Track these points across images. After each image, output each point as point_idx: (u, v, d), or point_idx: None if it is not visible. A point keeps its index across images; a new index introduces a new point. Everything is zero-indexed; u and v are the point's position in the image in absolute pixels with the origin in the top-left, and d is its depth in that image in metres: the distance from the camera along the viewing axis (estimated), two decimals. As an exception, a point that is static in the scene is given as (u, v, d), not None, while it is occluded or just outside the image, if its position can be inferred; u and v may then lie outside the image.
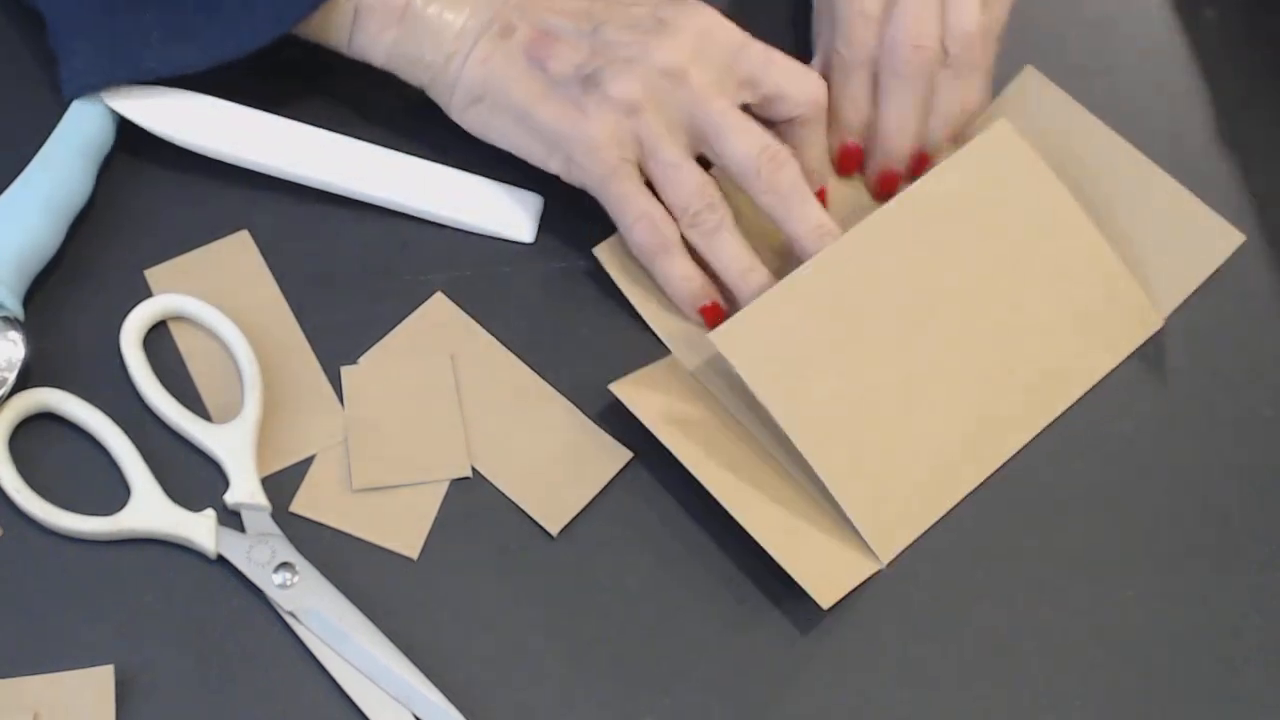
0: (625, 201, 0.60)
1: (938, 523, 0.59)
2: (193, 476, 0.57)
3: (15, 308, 0.57)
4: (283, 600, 0.54)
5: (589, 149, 0.59)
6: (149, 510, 0.56)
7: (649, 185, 0.61)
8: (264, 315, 0.61)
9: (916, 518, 0.59)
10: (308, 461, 0.58)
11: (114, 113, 0.61)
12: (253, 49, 0.60)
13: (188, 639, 0.54)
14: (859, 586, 0.57)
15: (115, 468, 0.57)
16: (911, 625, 0.57)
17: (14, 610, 0.54)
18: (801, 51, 0.66)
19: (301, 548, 0.56)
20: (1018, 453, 0.61)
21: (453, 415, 0.59)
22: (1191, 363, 0.64)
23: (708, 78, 0.59)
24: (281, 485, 0.57)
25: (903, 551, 0.58)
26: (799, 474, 0.59)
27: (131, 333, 0.59)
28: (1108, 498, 0.61)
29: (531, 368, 0.61)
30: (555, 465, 0.59)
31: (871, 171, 0.65)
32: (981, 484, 0.60)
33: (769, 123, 0.61)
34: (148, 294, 0.61)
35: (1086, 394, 0.63)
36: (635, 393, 0.59)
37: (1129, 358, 0.64)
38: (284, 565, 0.55)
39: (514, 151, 0.62)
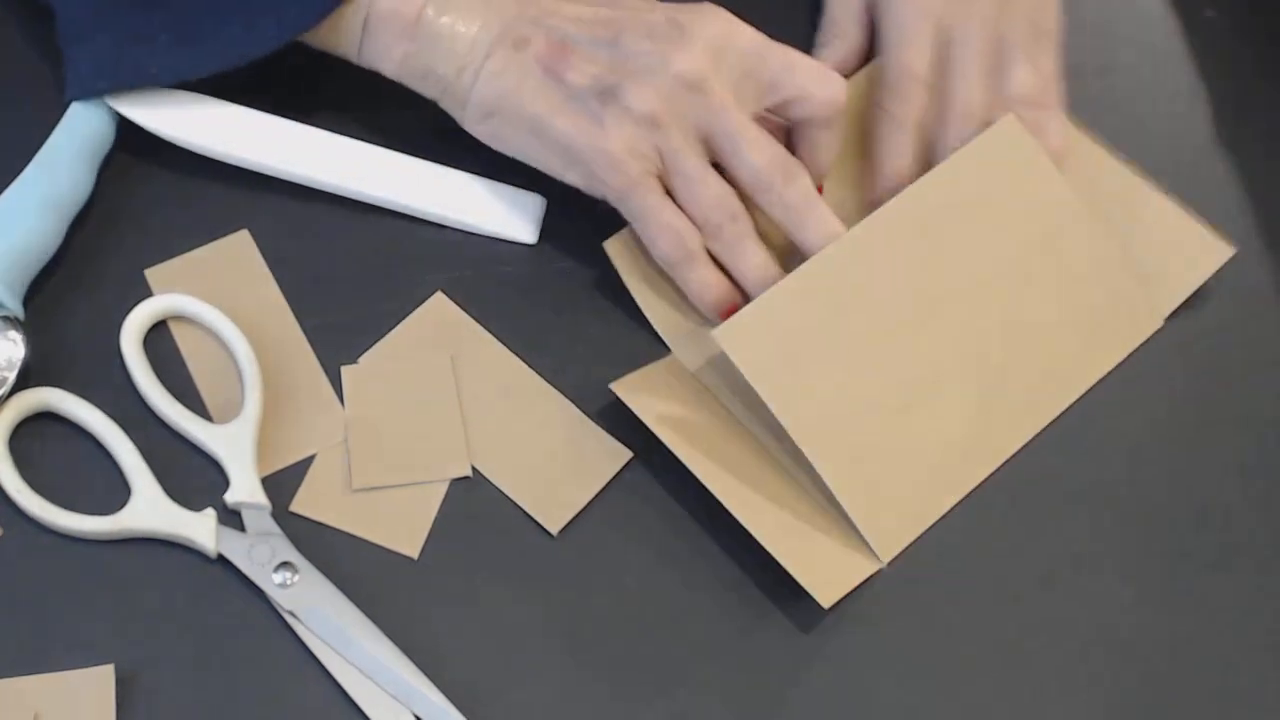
0: (649, 214, 0.60)
1: (938, 521, 0.59)
2: (193, 476, 0.57)
3: (15, 307, 0.57)
4: (283, 600, 0.54)
5: (610, 164, 0.59)
6: (149, 510, 0.56)
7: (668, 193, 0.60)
8: (264, 315, 0.61)
9: (917, 517, 0.59)
10: (308, 461, 0.58)
11: (114, 112, 0.61)
12: (257, 56, 0.60)
13: (188, 639, 0.54)
14: (859, 586, 0.57)
15: (115, 467, 0.57)
16: (912, 625, 0.57)
17: (14, 610, 0.54)
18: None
19: (302, 547, 0.56)
20: (1018, 452, 0.61)
21: (453, 415, 0.59)
22: (1191, 363, 0.64)
23: (727, 87, 0.59)
24: (282, 485, 0.57)
25: (903, 551, 0.58)
26: (799, 473, 0.59)
27: (131, 332, 0.59)
28: (1108, 497, 0.61)
29: (531, 368, 0.61)
30: (555, 465, 0.59)
31: None
32: (982, 483, 0.60)
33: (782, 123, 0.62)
34: (148, 294, 0.61)
35: (1086, 394, 0.63)
36: (636, 392, 0.59)
37: (1129, 358, 0.64)
38: (284, 565, 0.55)
39: (529, 163, 0.61)
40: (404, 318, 0.61)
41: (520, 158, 0.61)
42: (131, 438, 0.57)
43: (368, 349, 0.61)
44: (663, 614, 0.57)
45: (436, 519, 0.57)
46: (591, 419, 0.60)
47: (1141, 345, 0.64)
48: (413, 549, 0.57)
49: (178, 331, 0.60)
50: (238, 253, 0.62)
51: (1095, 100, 0.66)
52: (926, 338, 0.60)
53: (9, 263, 0.57)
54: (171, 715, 0.53)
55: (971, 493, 0.60)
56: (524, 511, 0.58)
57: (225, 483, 0.57)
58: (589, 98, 0.58)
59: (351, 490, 0.58)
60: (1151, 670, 0.57)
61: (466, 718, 0.53)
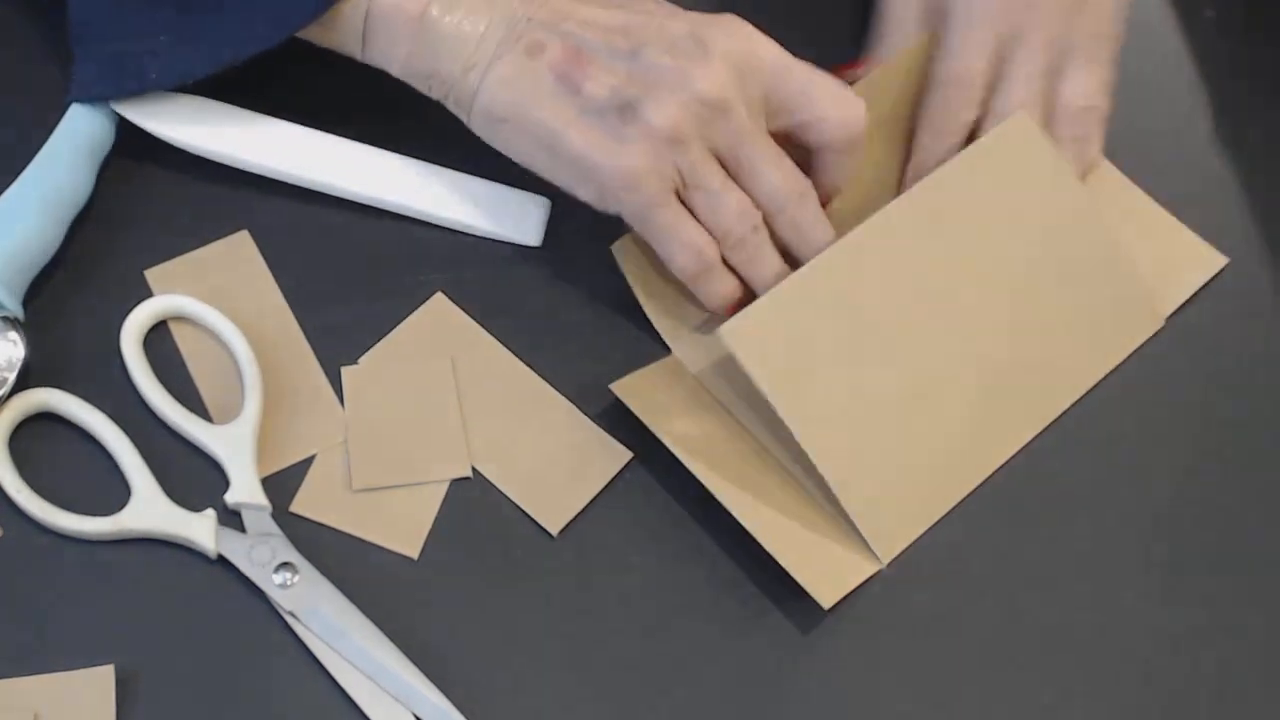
0: (668, 232, 0.59)
1: (937, 522, 0.59)
2: (193, 476, 0.57)
3: (15, 308, 0.57)
4: (283, 600, 0.54)
5: (628, 182, 0.57)
6: (149, 510, 0.56)
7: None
8: (264, 315, 0.61)
9: (917, 517, 0.59)
10: (308, 461, 0.58)
11: (114, 113, 0.61)
12: (254, 53, 0.59)
13: (188, 639, 0.54)
14: (859, 586, 0.57)
15: (115, 468, 0.57)
16: (911, 625, 0.57)
17: (14, 610, 0.54)
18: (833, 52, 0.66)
19: (302, 548, 0.56)
20: (1017, 452, 0.61)
21: (453, 415, 0.59)
22: (1191, 363, 0.64)
23: (748, 107, 0.58)
24: (282, 485, 0.57)
25: (902, 551, 0.58)
26: (800, 473, 0.59)
27: (131, 333, 0.59)
28: (1108, 498, 0.61)
29: (531, 368, 0.61)
30: (555, 465, 0.59)
31: None
32: (981, 484, 0.60)
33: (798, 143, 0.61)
34: (148, 294, 0.61)
35: (1086, 394, 0.63)
36: (636, 392, 0.59)
37: (1129, 357, 0.64)
38: (284, 565, 0.55)
39: (538, 174, 0.60)
40: (404, 318, 0.61)
41: (529, 167, 0.60)
42: (131, 438, 0.57)
43: (368, 350, 0.61)
44: (663, 614, 0.57)
45: (436, 520, 0.57)
46: (592, 419, 0.60)
47: (1141, 346, 0.64)
48: (413, 550, 0.57)
49: (178, 332, 0.60)
50: (238, 253, 0.62)
51: (1095, 100, 0.66)
52: (932, 337, 0.60)
53: (9, 263, 0.57)
54: (171, 715, 0.53)
55: (970, 494, 0.60)
56: (524, 512, 0.58)
57: (225, 483, 0.57)
58: (607, 111, 0.57)
59: (352, 491, 0.58)
60: (1151, 670, 0.57)
61: (466, 718, 0.53)
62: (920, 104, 0.65)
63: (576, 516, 0.58)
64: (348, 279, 0.62)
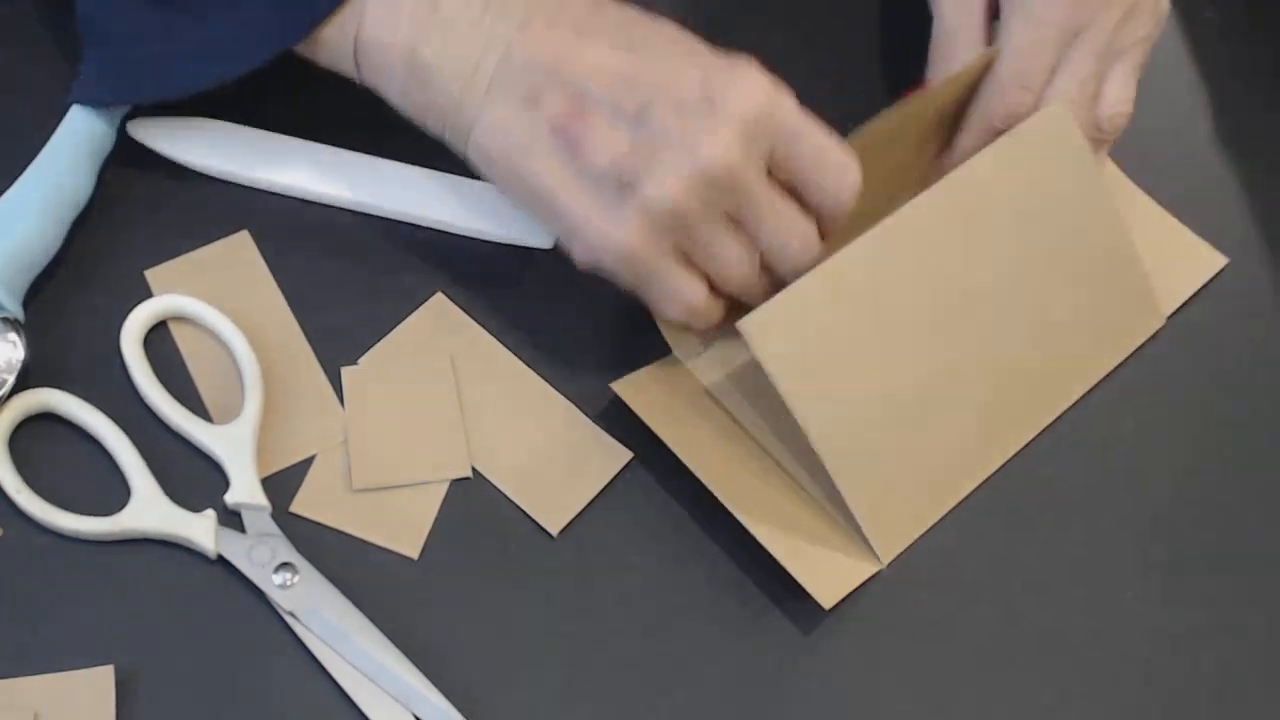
0: (664, 299, 0.57)
1: (937, 522, 0.59)
2: (193, 477, 0.57)
3: (15, 309, 0.57)
4: (283, 600, 0.54)
5: (621, 257, 0.55)
6: (149, 510, 0.56)
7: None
8: (264, 315, 0.61)
9: (918, 518, 0.59)
10: (308, 462, 0.58)
11: (115, 114, 0.61)
12: (244, 71, 0.59)
13: (188, 639, 0.54)
14: (858, 587, 0.57)
15: (115, 468, 0.57)
16: (911, 626, 0.57)
17: (14, 610, 0.54)
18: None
19: (302, 548, 0.56)
20: (1017, 452, 0.61)
21: (453, 415, 0.59)
22: (1191, 363, 0.64)
23: (756, 169, 0.54)
24: (282, 485, 0.57)
25: (901, 552, 0.58)
26: (802, 474, 0.59)
27: (132, 333, 0.59)
28: (1108, 498, 0.61)
29: (531, 368, 0.61)
30: (555, 465, 0.59)
31: None
32: (979, 485, 0.60)
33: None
34: (148, 294, 0.61)
35: (1086, 393, 0.63)
36: (637, 392, 0.59)
37: (1129, 357, 0.64)
38: (284, 565, 0.55)
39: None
40: (404, 318, 0.61)
41: (523, 211, 0.59)
42: (131, 438, 0.57)
43: (368, 350, 0.61)
44: (663, 614, 0.57)
45: (436, 520, 0.57)
46: (591, 419, 0.60)
47: (1141, 346, 0.64)
48: (413, 550, 0.57)
49: (178, 332, 0.60)
50: (238, 253, 0.62)
51: (1095, 100, 0.66)
52: (946, 334, 0.59)
53: (9, 264, 0.57)
54: (171, 715, 0.53)
55: (969, 495, 0.60)
56: (524, 512, 0.58)
57: (225, 483, 0.57)
58: (605, 181, 0.54)
59: (352, 491, 0.58)
60: (1151, 670, 0.57)
61: (466, 718, 0.53)
62: (974, 98, 0.63)
63: (576, 516, 0.58)
64: (348, 279, 0.62)
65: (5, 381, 0.56)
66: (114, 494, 0.56)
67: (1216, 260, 0.66)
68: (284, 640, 0.54)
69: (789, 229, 0.56)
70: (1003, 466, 0.61)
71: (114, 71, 0.60)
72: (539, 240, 0.63)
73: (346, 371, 0.60)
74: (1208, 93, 0.72)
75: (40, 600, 0.54)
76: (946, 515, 0.59)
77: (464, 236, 0.63)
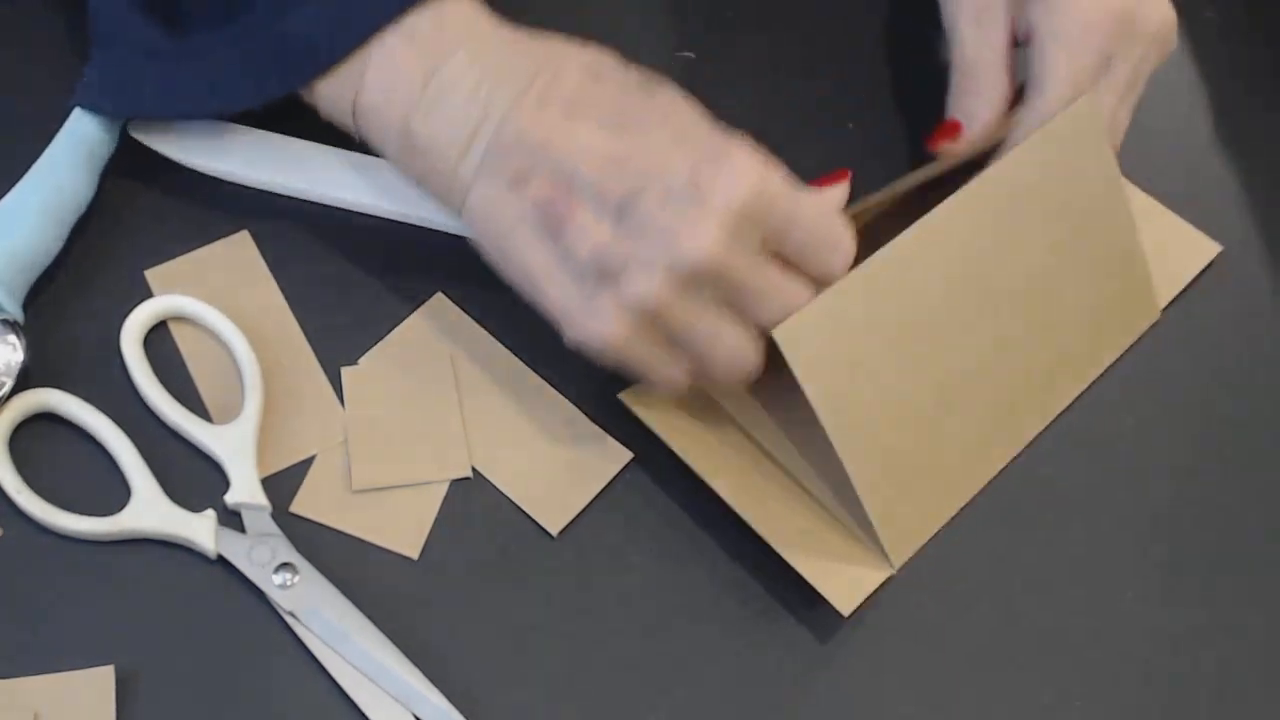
0: (642, 370, 0.55)
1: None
2: (193, 477, 0.57)
3: (15, 311, 0.57)
4: (283, 600, 0.54)
5: (602, 346, 0.54)
6: (149, 511, 0.56)
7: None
8: (264, 315, 0.61)
9: (929, 520, 0.59)
10: (308, 462, 0.58)
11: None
12: (241, 108, 0.59)
13: (188, 639, 0.54)
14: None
15: (115, 468, 0.57)
16: (911, 625, 0.57)
17: (14, 610, 0.54)
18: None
19: (302, 548, 0.56)
20: (1015, 455, 0.61)
21: (453, 415, 0.59)
22: (1191, 362, 0.64)
23: (744, 254, 0.52)
24: (282, 485, 0.57)
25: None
26: (811, 480, 0.58)
27: (132, 333, 0.59)
28: (1108, 498, 0.61)
29: (531, 368, 0.61)
30: (555, 465, 0.59)
31: None
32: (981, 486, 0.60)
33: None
34: (148, 294, 0.61)
35: (1086, 393, 0.63)
36: (646, 403, 0.58)
37: (1130, 357, 0.64)
38: (284, 565, 0.55)
39: None
40: (404, 318, 0.61)
41: None
42: (131, 438, 0.57)
43: (368, 349, 0.61)
44: (663, 614, 0.57)
45: (437, 520, 0.57)
46: (592, 419, 0.60)
47: (1141, 347, 0.64)
48: (413, 550, 0.57)
49: (178, 332, 0.60)
50: (238, 253, 0.62)
51: (1095, 100, 0.66)
52: (964, 336, 0.58)
53: (9, 266, 0.57)
54: (171, 715, 0.53)
55: (971, 496, 0.60)
56: (524, 512, 0.58)
57: (225, 483, 0.57)
58: (587, 271, 0.53)
59: (352, 491, 0.58)
60: (1151, 670, 0.57)
61: (466, 718, 0.53)
62: (1011, 126, 0.63)
63: (577, 517, 0.58)
64: (348, 279, 0.62)
65: (4, 384, 0.56)
66: (114, 494, 0.56)
67: (1210, 248, 0.66)
68: (284, 640, 0.54)
69: (786, 304, 0.54)
70: (1001, 468, 0.61)
71: (116, 82, 0.60)
72: None
73: (346, 371, 0.60)
74: (1208, 93, 0.72)
75: (40, 600, 0.54)
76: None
77: (464, 237, 0.63)
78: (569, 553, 0.57)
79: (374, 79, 0.56)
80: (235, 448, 0.57)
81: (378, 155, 0.60)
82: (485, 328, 0.61)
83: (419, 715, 0.53)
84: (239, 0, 0.57)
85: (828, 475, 0.58)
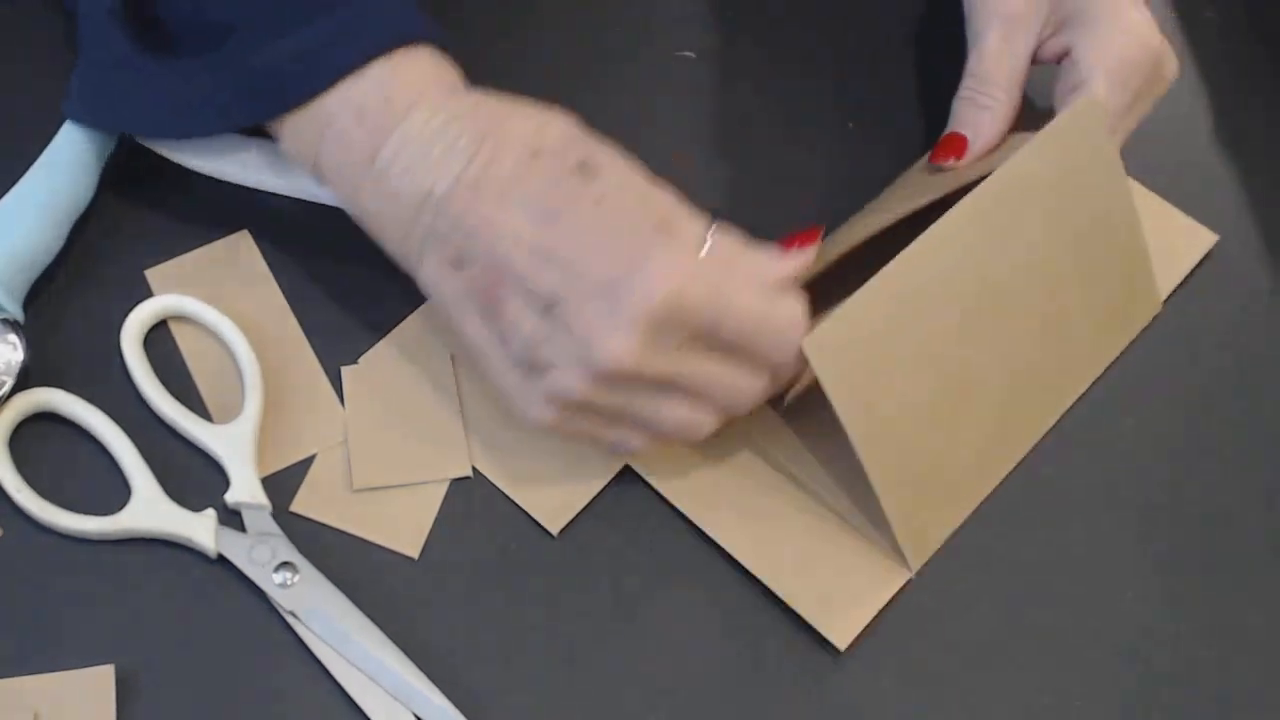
0: (606, 449, 0.57)
1: (938, 523, 0.59)
2: (193, 476, 0.57)
3: (15, 310, 0.57)
4: (283, 600, 0.54)
5: (528, 424, 0.55)
6: (149, 510, 0.56)
7: None
8: (264, 315, 0.61)
9: (946, 523, 0.59)
10: (308, 461, 0.58)
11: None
12: (213, 133, 0.59)
13: (188, 639, 0.54)
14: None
15: (116, 467, 0.57)
16: (910, 625, 0.57)
17: (14, 610, 0.54)
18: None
19: (302, 547, 0.56)
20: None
21: (453, 415, 0.59)
22: (1192, 362, 0.64)
23: (666, 357, 0.52)
24: (282, 485, 0.57)
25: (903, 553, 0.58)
26: (824, 487, 0.58)
27: (132, 332, 0.59)
28: (1108, 497, 0.61)
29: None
30: (556, 465, 0.59)
31: None
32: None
33: None
34: (148, 294, 0.61)
35: (1087, 393, 0.63)
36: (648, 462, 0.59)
37: (1130, 355, 0.64)
38: (284, 565, 0.55)
39: None
40: (404, 318, 0.61)
41: None
42: (132, 438, 0.57)
43: (368, 349, 0.61)
44: (663, 614, 0.57)
45: (437, 519, 0.57)
46: (592, 419, 0.60)
47: (1140, 345, 0.64)
48: (413, 549, 0.57)
49: (178, 332, 0.60)
50: (238, 253, 0.62)
51: (1095, 100, 0.66)
52: (977, 337, 0.58)
53: (9, 266, 0.57)
54: (171, 715, 0.53)
55: (984, 497, 0.60)
56: (524, 512, 0.58)
57: (225, 483, 0.57)
58: (520, 359, 0.54)
59: (352, 491, 0.58)
60: (1151, 670, 0.57)
61: (466, 718, 0.53)
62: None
63: (577, 517, 0.58)
64: (348, 279, 0.62)
65: (4, 383, 0.56)
66: (114, 494, 0.56)
67: (1207, 238, 0.66)
68: (284, 640, 0.54)
69: (727, 393, 0.54)
70: (1014, 466, 0.61)
71: (94, 97, 0.60)
72: None
73: (347, 371, 0.60)
74: (1208, 92, 0.72)
75: (40, 600, 0.54)
76: (946, 515, 0.60)
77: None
78: (569, 553, 0.57)
79: (327, 154, 0.56)
80: (235, 447, 0.57)
81: None
82: (485, 327, 0.61)
83: (419, 714, 0.53)
84: (222, 30, 0.57)
85: (844, 482, 0.58)
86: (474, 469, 0.59)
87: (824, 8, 0.73)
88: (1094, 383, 0.63)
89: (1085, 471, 0.61)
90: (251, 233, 0.62)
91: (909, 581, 0.58)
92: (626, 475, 0.59)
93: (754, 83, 0.70)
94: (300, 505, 0.57)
